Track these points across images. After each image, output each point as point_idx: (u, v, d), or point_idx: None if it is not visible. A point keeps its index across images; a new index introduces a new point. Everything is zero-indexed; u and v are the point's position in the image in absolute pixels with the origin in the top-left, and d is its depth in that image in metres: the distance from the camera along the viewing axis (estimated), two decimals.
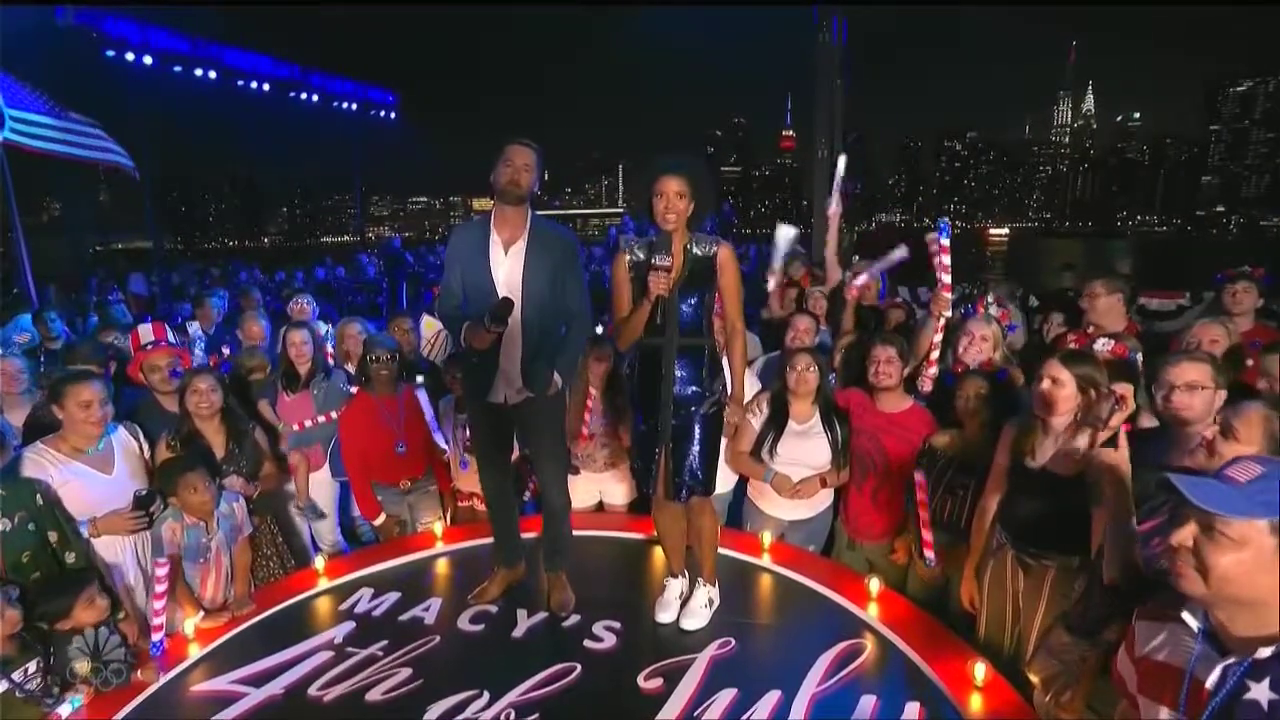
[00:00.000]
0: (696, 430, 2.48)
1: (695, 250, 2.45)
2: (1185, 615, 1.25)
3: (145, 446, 2.94)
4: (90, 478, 2.69)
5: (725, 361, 2.60)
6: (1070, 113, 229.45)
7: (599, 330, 3.34)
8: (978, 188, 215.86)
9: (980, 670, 2.21)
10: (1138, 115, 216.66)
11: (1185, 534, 1.16)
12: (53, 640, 2.28)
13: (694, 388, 2.47)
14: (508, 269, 2.52)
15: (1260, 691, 1.13)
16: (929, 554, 2.77)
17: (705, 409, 2.48)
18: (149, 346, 3.23)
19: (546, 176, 2.62)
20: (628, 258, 2.49)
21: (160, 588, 2.46)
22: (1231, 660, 1.17)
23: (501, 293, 2.48)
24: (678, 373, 2.45)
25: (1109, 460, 1.85)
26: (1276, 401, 2.01)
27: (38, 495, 2.45)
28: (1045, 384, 2.27)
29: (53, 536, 2.46)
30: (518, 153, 2.49)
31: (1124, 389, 2.28)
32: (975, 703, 2.15)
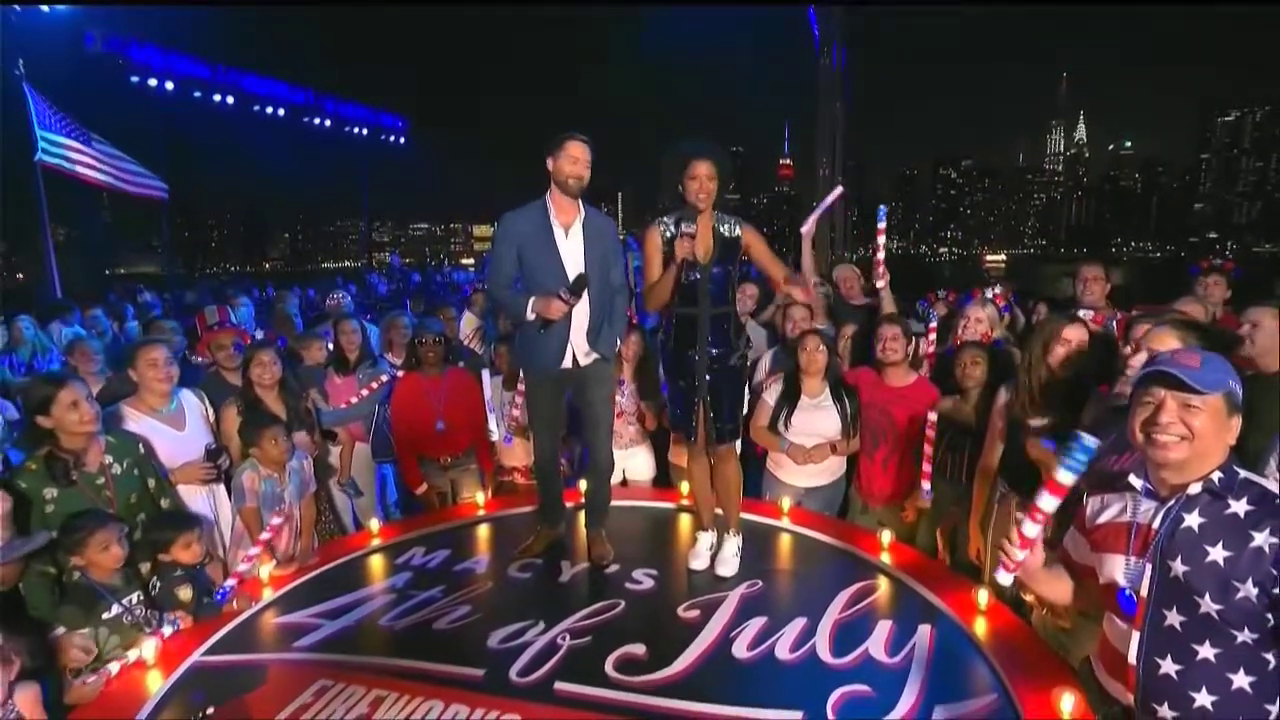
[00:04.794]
0: (728, 383, 2.81)
1: (722, 231, 2.78)
2: (1132, 479, 1.59)
3: (210, 410, 3.25)
4: (165, 433, 3.00)
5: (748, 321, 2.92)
6: (1063, 141, 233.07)
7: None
8: (973, 215, 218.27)
9: (984, 596, 2.48)
10: (1129, 143, 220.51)
11: (1172, 411, 1.46)
12: (158, 572, 2.56)
13: (723, 348, 2.80)
14: (571, 249, 2.86)
15: (1192, 519, 1.48)
16: (925, 484, 3.12)
17: (734, 361, 2.82)
18: (214, 327, 3.56)
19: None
20: (659, 232, 2.81)
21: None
22: (1171, 502, 1.51)
23: (570, 271, 2.81)
24: (709, 337, 2.77)
25: None
26: (1185, 324, 2.26)
27: (139, 445, 2.76)
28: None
29: (150, 483, 2.76)
30: (580, 149, 2.82)
31: None
32: (980, 625, 2.42)
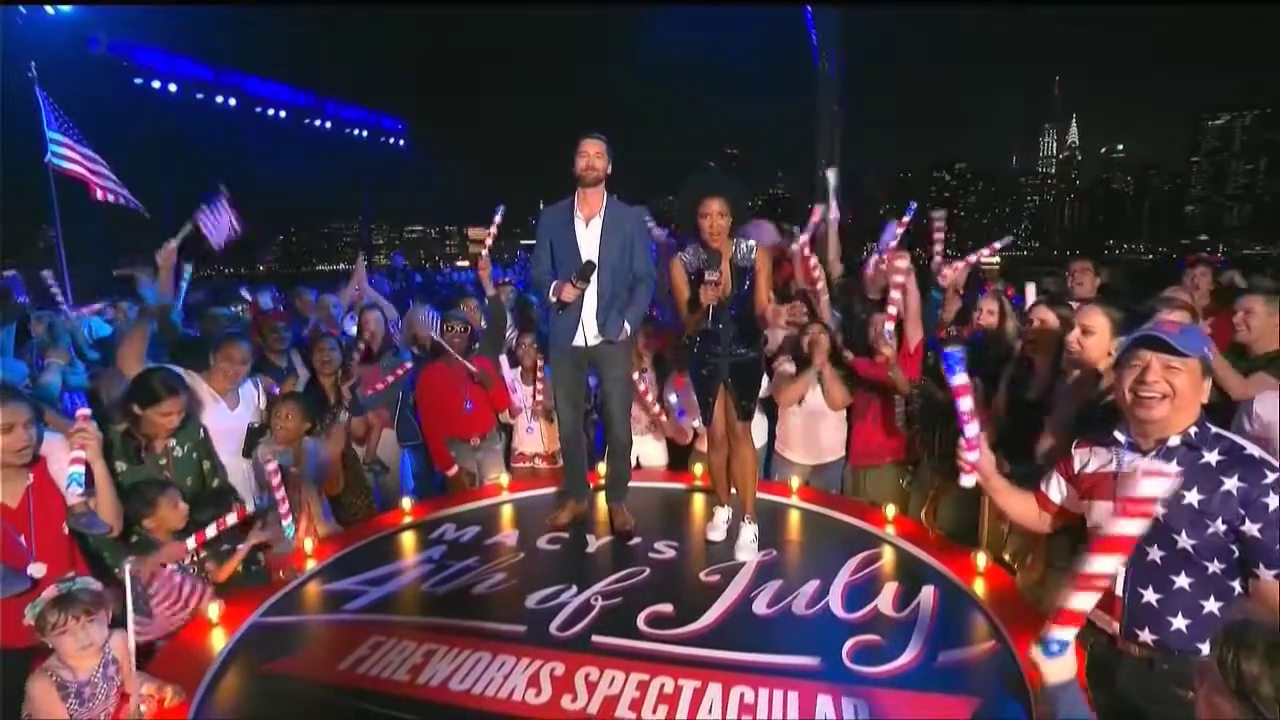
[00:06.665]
0: (747, 371, 3.04)
1: (738, 261, 2.95)
2: (1117, 434, 1.81)
3: (262, 396, 3.45)
4: (220, 408, 3.24)
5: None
6: (1055, 145, 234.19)
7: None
8: (967, 217, 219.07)
9: (981, 559, 2.69)
10: (1121, 147, 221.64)
11: (1157, 371, 1.67)
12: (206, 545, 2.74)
13: (743, 350, 3.02)
14: (588, 238, 3.08)
15: (1171, 468, 1.67)
16: (889, 325, 3.35)
17: (752, 353, 3.05)
18: (266, 312, 3.81)
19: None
20: (682, 264, 2.99)
21: (277, 479, 2.80)
22: (1151, 454, 1.73)
23: (584, 258, 3.01)
24: (732, 345, 2.99)
25: None
26: (1108, 303, 2.49)
27: (200, 430, 2.98)
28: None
29: (205, 466, 2.96)
30: (590, 145, 3.07)
31: None
32: (978, 585, 2.63)
